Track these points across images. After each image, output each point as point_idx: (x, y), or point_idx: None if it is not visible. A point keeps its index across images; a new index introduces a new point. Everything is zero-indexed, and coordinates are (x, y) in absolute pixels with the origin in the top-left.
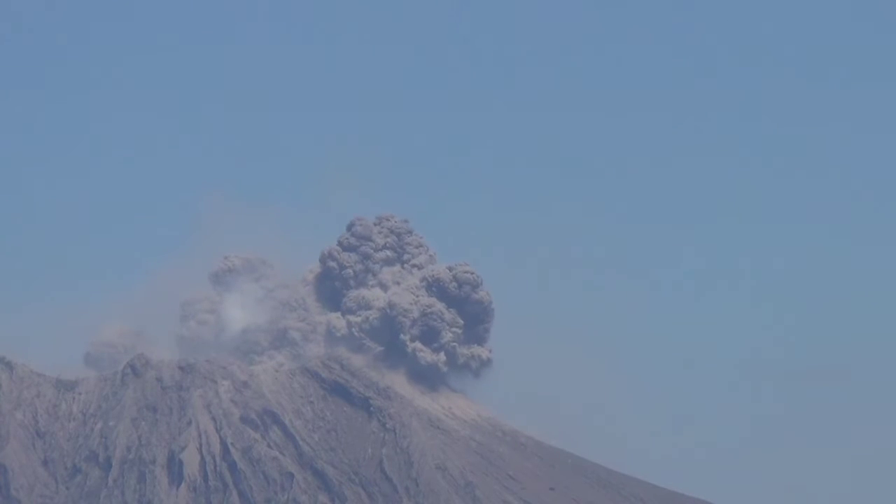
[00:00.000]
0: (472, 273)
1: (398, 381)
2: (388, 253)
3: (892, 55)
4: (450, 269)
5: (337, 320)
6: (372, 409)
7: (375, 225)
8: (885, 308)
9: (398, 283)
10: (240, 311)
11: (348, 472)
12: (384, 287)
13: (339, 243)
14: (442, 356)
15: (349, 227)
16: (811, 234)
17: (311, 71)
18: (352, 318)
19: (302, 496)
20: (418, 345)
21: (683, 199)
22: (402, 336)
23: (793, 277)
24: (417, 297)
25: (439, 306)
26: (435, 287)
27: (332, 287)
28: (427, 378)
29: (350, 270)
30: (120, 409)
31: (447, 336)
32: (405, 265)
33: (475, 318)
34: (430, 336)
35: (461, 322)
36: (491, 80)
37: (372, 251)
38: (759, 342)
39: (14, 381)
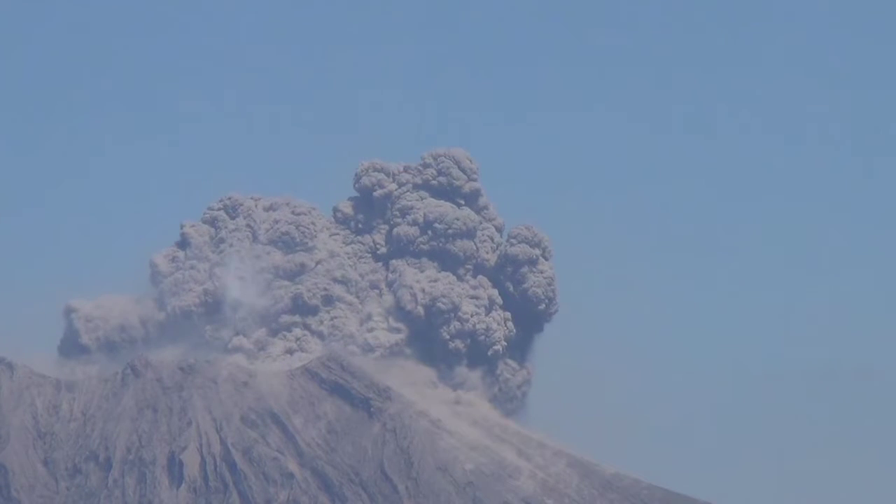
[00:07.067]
0: (535, 235)
1: (410, 371)
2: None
3: None
4: (512, 238)
5: (373, 302)
6: (372, 409)
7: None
8: None
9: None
10: (238, 292)
11: (349, 472)
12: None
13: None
14: (479, 373)
15: (359, 179)
16: (831, 233)
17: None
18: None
19: (302, 496)
20: (462, 368)
21: (694, 197)
22: (442, 337)
23: (810, 274)
24: (468, 288)
25: (496, 313)
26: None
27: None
28: (449, 379)
29: (374, 237)
30: (120, 409)
31: (502, 371)
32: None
33: (528, 315)
34: (477, 352)
35: (514, 331)
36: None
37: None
38: (774, 341)
39: (14, 382)
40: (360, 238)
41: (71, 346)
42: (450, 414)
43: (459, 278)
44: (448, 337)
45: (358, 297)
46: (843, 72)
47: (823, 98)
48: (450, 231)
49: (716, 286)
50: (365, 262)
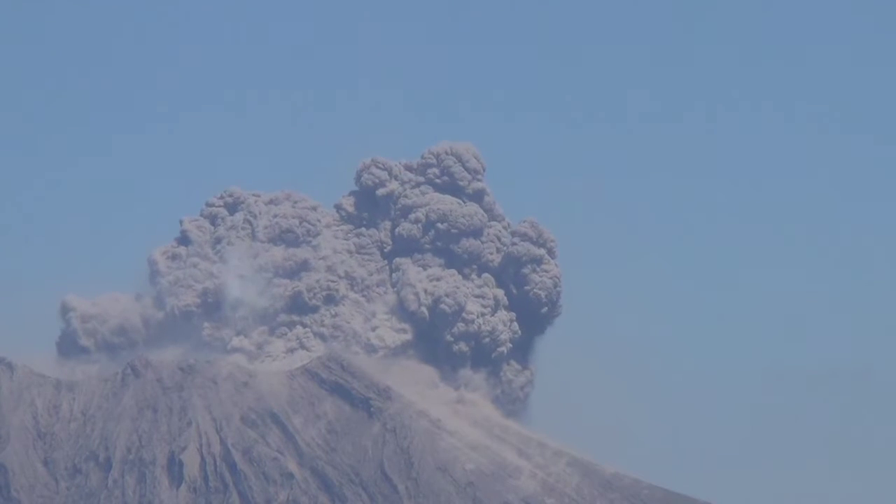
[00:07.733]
0: (541, 234)
1: (412, 371)
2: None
3: None
4: (515, 237)
5: (380, 298)
6: (372, 409)
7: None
8: None
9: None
10: (238, 291)
11: (348, 472)
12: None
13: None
14: (482, 374)
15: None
16: (831, 232)
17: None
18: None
19: (302, 497)
20: (465, 370)
21: (695, 197)
22: (445, 339)
23: (811, 274)
24: (470, 289)
25: (501, 314)
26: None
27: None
28: (452, 380)
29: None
30: (120, 409)
31: (505, 373)
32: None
33: (531, 315)
34: (481, 353)
35: (519, 332)
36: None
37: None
38: (774, 341)
39: (14, 382)
40: (366, 232)
41: (69, 346)
42: (450, 414)
43: (465, 276)
44: (452, 339)
45: (363, 295)
46: (846, 71)
47: (824, 97)
48: (453, 231)
49: (716, 286)
50: (370, 259)
